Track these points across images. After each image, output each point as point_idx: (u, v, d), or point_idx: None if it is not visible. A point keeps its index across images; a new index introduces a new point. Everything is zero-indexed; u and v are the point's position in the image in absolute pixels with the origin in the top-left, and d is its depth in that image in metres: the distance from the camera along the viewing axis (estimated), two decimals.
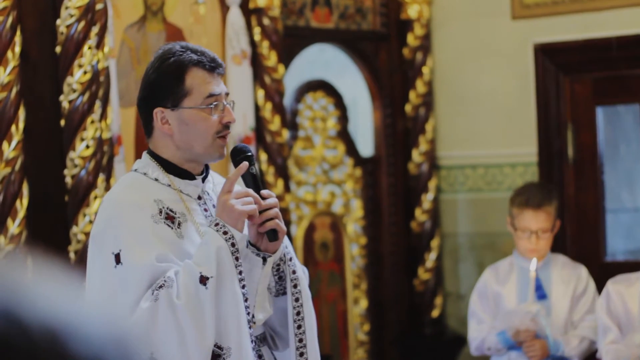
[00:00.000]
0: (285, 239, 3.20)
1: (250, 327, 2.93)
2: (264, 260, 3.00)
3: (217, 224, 2.93)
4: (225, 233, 2.91)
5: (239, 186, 3.06)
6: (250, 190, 3.00)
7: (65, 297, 1.00)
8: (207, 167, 3.18)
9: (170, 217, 3.01)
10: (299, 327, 3.05)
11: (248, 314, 2.91)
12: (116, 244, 2.93)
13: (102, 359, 0.97)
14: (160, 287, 2.86)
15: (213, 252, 2.89)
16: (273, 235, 2.99)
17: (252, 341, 2.96)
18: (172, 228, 3.00)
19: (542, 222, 4.78)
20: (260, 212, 3.00)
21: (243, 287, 2.90)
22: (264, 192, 3.03)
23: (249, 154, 3.07)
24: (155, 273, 2.88)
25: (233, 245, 2.91)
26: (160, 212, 3.00)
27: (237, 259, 2.91)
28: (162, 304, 2.83)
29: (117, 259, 2.92)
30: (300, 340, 3.05)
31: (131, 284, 2.88)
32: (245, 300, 2.90)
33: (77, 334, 0.96)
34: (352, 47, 6.38)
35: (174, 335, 2.83)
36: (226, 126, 3.05)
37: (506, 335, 4.71)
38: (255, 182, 3.04)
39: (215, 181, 3.18)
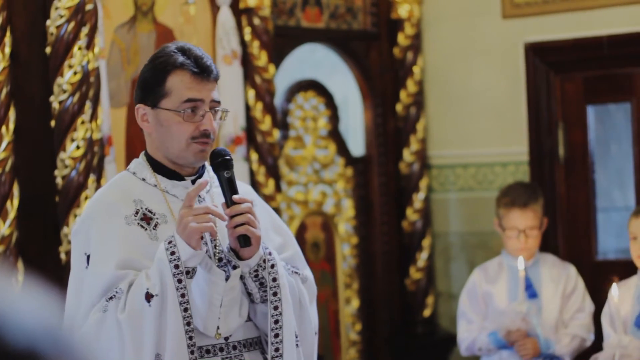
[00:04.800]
0: (294, 247, 3.21)
1: (192, 353, 2.87)
2: (235, 268, 2.98)
3: (170, 242, 2.90)
4: (172, 253, 2.88)
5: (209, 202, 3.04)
6: (211, 206, 2.94)
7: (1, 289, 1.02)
8: (203, 168, 3.13)
9: (146, 218, 3.01)
10: (276, 335, 2.99)
11: (190, 338, 2.87)
12: (87, 245, 2.98)
13: (35, 349, 0.98)
14: (111, 298, 2.89)
15: (158, 270, 2.88)
16: (244, 241, 2.96)
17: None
18: (145, 229, 2.99)
19: (529, 221, 4.80)
20: (231, 218, 2.96)
21: (185, 309, 2.87)
22: (235, 197, 2.98)
23: (227, 157, 3.02)
24: (112, 281, 2.90)
25: (177, 267, 2.87)
26: (137, 212, 3.00)
27: (179, 281, 2.86)
28: (108, 317, 2.87)
29: (88, 260, 2.97)
30: (277, 350, 2.99)
31: (89, 289, 2.93)
32: (188, 325, 2.86)
33: (10, 324, 0.97)
34: (342, 47, 6.37)
35: (116, 349, 2.85)
36: (204, 134, 2.99)
37: (497, 336, 4.71)
38: (231, 186, 3.00)
39: (216, 183, 3.10)
